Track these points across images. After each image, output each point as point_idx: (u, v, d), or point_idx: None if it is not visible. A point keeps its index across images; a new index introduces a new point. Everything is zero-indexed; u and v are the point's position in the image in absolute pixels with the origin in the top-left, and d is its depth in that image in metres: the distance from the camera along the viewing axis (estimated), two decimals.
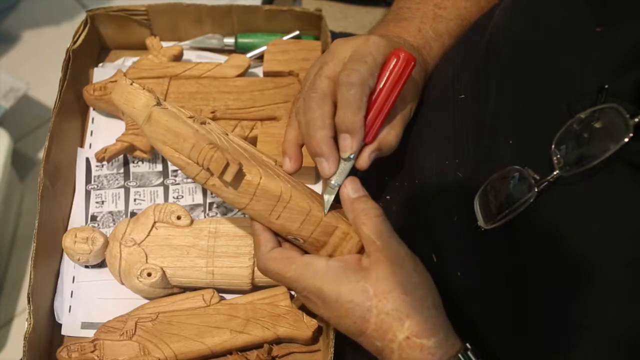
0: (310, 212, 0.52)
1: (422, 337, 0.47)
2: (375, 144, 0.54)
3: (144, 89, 0.51)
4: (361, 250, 0.52)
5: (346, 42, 0.55)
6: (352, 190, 0.52)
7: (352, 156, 0.53)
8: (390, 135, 0.55)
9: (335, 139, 0.53)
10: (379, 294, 0.47)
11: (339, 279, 0.49)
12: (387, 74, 0.53)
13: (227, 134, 0.56)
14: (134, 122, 0.71)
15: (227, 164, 0.48)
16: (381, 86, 0.53)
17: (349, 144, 0.52)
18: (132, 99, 0.51)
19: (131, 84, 0.52)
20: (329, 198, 0.53)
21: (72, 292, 0.66)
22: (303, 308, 0.62)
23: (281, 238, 0.54)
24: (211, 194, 0.72)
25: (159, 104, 0.51)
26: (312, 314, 0.61)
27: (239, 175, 0.49)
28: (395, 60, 0.53)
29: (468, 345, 0.48)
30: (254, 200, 0.51)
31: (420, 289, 0.48)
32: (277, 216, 0.52)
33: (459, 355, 0.47)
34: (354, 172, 0.54)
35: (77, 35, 0.75)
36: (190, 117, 0.53)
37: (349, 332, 0.49)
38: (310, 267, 0.50)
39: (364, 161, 0.54)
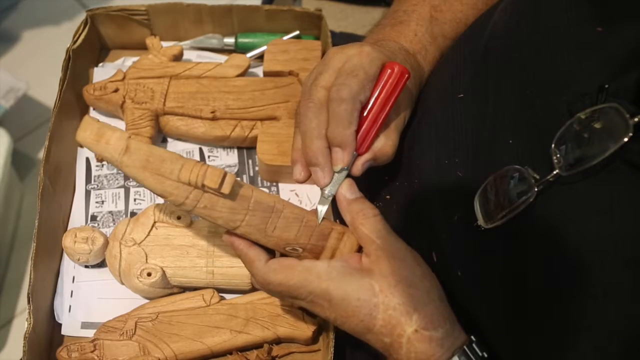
0: (304, 217, 0.52)
1: (430, 329, 0.47)
2: (369, 154, 0.55)
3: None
4: (360, 249, 0.52)
5: (340, 50, 0.55)
6: (348, 192, 0.52)
7: (345, 168, 0.53)
8: (386, 146, 0.55)
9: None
10: (385, 289, 0.48)
11: (344, 278, 0.49)
12: (380, 87, 0.53)
13: None
14: (134, 121, 0.71)
15: (225, 175, 0.48)
16: (375, 98, 0.54)
17: (340, 157, 0.53)
18: (104, 135, 0.50)
19: (98, 121, 0.51)
20: (322, 209, 0.53)
21: (72, 292, 0.66)
22: (303, 308, 0.62)
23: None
24: None
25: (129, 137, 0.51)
26: (311, 314, 0.61)
27: (236, 186, 0.49)
28: (389, 72, 0.53)
29: (473, 337, 0.48)
30: (249, 214, 0.51)
31: (424, 282, 0.49)
32: (274, 228, 0.52)
33: (465, 347, 0.48)
34: None
35: (77, 35, 0.75)
36: None
37: (355, 331, 0.50)
38: (313, 271, 0.50)
39: (357, 170, 0.55)
